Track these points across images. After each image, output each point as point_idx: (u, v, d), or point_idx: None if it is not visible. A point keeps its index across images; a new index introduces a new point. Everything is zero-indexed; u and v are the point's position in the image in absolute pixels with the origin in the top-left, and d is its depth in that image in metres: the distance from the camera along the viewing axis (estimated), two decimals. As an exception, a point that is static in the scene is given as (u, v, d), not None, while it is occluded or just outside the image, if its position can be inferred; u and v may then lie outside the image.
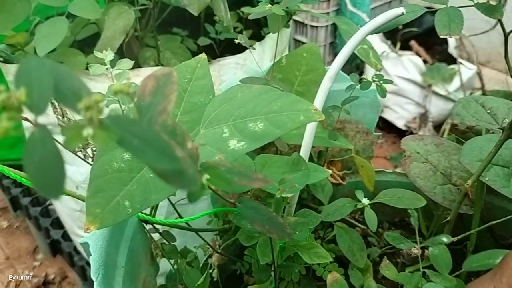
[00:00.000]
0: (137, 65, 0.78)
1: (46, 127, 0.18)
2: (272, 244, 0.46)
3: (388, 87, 1.54)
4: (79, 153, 0.51)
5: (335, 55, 1.72)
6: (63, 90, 0.20)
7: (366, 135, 0.75)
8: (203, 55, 0.48)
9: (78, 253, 0.93)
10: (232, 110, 0.40)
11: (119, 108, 0.50)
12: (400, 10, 0.43)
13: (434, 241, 0.41)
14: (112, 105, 0.56)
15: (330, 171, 0.59)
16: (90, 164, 0.52)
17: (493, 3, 0.39)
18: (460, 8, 0.43)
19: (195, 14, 0.60)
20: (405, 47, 1.58)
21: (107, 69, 0.52)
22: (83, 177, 0.73)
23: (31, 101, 0.18)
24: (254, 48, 0.66)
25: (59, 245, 0.99)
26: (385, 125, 1.66)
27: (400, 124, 1.58)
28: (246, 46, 0.56)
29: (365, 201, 0.54)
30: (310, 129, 0.50)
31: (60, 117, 0.52)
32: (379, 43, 1.52)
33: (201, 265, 0.61)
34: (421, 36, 1.62)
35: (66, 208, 0.83)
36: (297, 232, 0.43)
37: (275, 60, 0.69)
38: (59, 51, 0.73)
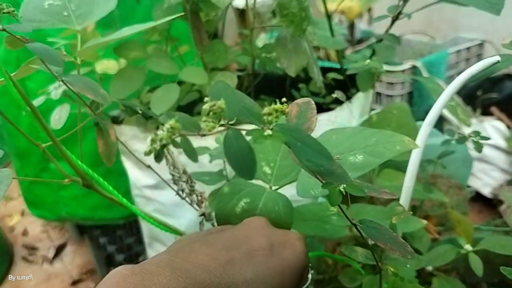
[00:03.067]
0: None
1: (237, 129, 0.23)
2: (381, 282, 0.46)
3: (472, 154, 1.52)
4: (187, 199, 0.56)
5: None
6: (246, 108, 0.25)
7: (459, 190, 0.75)
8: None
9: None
10: (330, 149, 0.44)
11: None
12: (495, 58, 0.46)
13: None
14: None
15: (425, 222, 0.60)
16: (196, 209, 0.57)
17: None
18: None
19: (293, 75, 0.67)
20: (485, 113, 1.56)
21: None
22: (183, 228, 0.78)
23: (227, 110, 0.24)
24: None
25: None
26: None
27: (486, 191, 1.52)
28: (341, 100, 0.61)
29: (468, 247, 0.54)
30: (410, 176, 0.52)
31: (172, 168, 0.58)
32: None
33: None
34: (502, 102, 1.60)
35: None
36: (407, 265, 0.44)
37: (365, 118, 0.73)
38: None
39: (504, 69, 0.56)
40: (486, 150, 1.48)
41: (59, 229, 1.91)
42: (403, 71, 1.62)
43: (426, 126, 0.49)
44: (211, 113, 0.24)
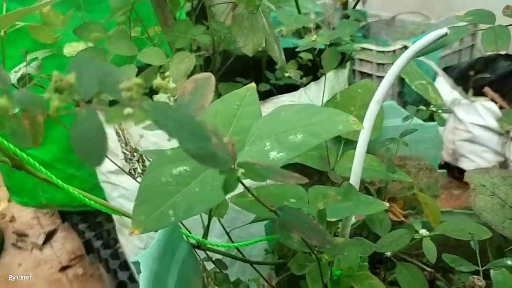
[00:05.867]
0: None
1: (92, 107, 0.21)
2: (322, 271, 0.44)
3: (463, 135, 1.48)
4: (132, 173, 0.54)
5: (404, 104, 1.69)
6: (108, 82, 0.22)
7: (429, 172, 0.72)
8: (252, 84, 0.50)
9: (143, 294, 0.95)
10: (275, 127, 0.41)
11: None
12: (443, 30, 0.43)
13: (496, 263, 0.38)
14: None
15: (387, 204, 0.57)
16: (138, 182, 0.55)
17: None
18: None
19: (250, 54, 0.64)
20: (478, 93, 1.52)
21: (168, 97, 0.56)
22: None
23: (80, 85, 0.21)
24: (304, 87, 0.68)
25: (126, 286, 1.02)
26: (462, 175, 1.57)
27: (477, 173, 1.48)
28: (299, 84, 0.58)
29: (423, 231, 0.51)
30: (359, 156, 0.49)
31: (124, 145, 0.56)
32: (450, 90, 1.48)
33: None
34: (496, 82, 1.55)
35: (131, 246, 0.86)
36: (345, 253, 0.42)
37: (330, 98, 0.70)
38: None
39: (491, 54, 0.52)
40: (478, 131, 1.44)
41: (49, 215, 1.91)
42: (394, 51, 1.58)
43: (374, 104, 0.46)
44: (59, 90, 0.21)
